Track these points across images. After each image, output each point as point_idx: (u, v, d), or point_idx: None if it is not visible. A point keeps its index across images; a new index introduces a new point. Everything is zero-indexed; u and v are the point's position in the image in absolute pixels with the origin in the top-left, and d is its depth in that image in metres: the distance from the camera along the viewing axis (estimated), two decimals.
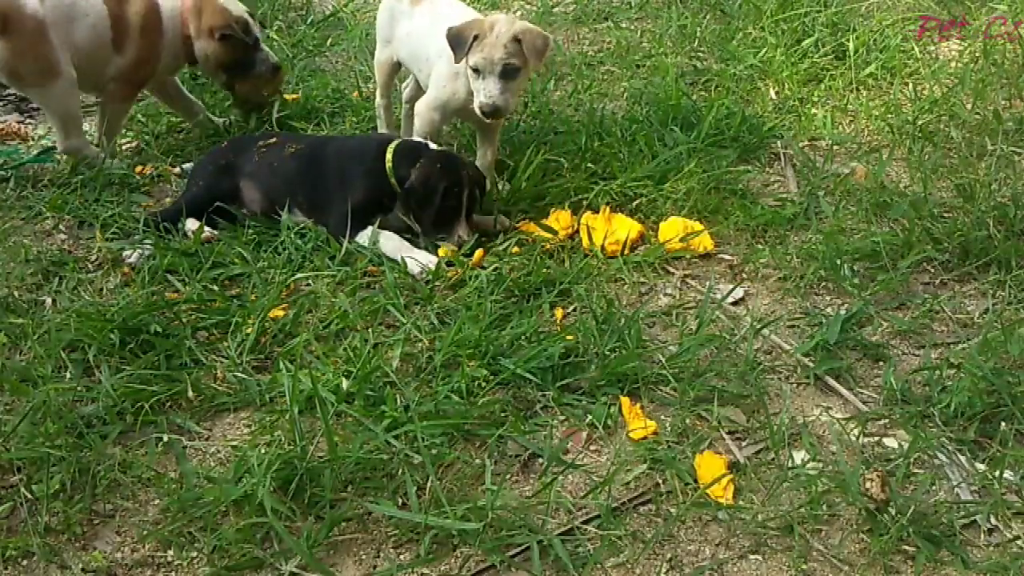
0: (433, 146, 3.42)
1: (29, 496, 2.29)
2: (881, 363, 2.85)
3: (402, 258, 3.18)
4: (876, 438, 2.56)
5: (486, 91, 3.29)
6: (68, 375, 2.65)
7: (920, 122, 4.19)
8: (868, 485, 2.30)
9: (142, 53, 3.81)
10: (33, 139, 4.20)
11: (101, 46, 3.71)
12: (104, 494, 2.33)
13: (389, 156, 3.33)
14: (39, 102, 3.67)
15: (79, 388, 2.59)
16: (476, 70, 3.29)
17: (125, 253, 3.23)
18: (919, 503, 2.29)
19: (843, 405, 2.69)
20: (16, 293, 3.03)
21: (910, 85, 4.57)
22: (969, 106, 4.28)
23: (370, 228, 3.26)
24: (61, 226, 3.45)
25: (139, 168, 3.85)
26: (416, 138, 3.51)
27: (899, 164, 3.97)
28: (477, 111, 3.34)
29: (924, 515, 2.27)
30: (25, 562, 2.17)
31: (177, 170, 3.84)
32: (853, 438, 2.54)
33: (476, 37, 3.27)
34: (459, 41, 3.30)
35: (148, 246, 3.23)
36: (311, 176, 3.41)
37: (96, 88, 3.90)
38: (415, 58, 3.71)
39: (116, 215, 3.42)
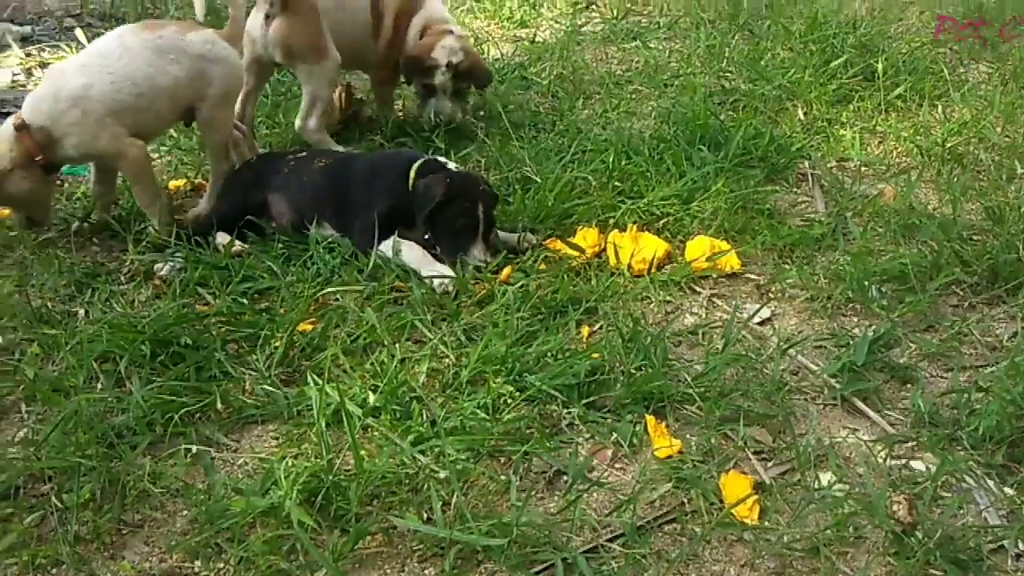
0: (452, 166, 3.46)
1: (59, 505, 2.31)
2: (909, 385, 2.84)
3: (421, 269, 3.19)
4: (903, 461, 2.54)
5: None
6: (99, 386, 2.69)
7: (949, 144, 4.18)
8: (895, 508, 2.29)
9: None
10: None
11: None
12: (133, 504, 2.35)
13: (412, 172, 3.37)
14: (303, 78, 3.99)
15: (110, 399, 2.62)
16: None
17: (157, 266, 3.27)
18: (946, 527, 2.27)
19: (870, 427, 2.68)
20: (50, 304, 3.08)
21: (939, 107, 4.56)
22: (999, 129, 4.27)
23: (391, 239, 3.28)
24: (95, 238, 3.50)
25: (173, 183, 3.89)
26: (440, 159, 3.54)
27: (928, 186, 3.96)
28: None
29: (951, 539, 2.25)
30: (55, 571, 2.19)
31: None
32: (880, 460, 2.52)
33: None
34: None
35: (179, 259, 3.27)
36: (339, 190, 3.44)
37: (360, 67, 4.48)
38: None
39: (148, 228, 3.45)
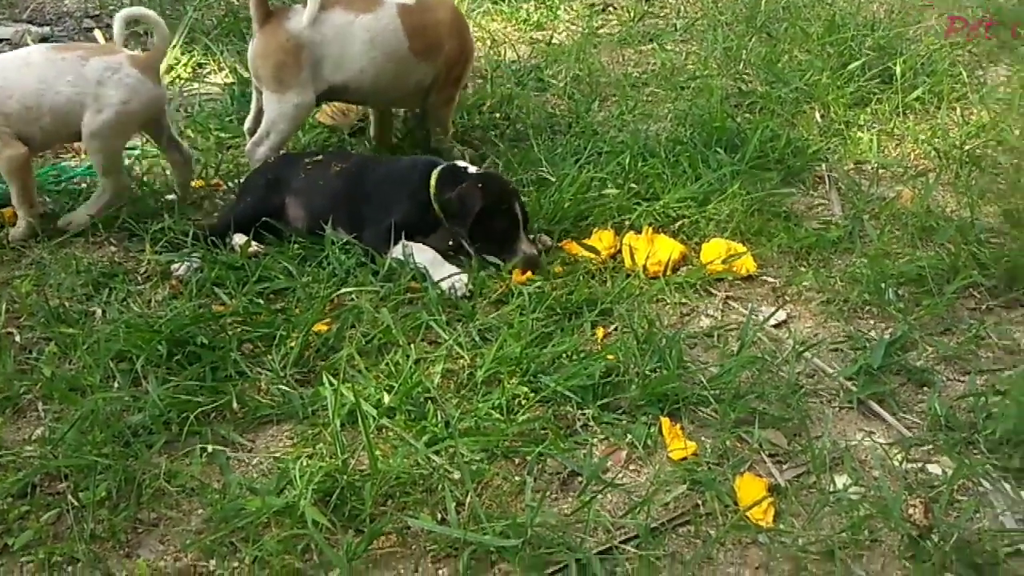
0: (473, 169, 3.45)
1: (76, 503, 2.33)
2: (925, 388, 2.82)
3: (433, 274, 3.18)
4: (919, 464, 2.53)
5: None
6: (116, 385, 2.70)
7: (967, 147, 4.16)
8: (911, 511, 2.28)
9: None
10: (86, 154, 4.27)
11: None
12: (149, 503, 2.36)
13: (433, 181, 3.35)
14: (265, 105, 3.78)
15: (126, 398, 2.64)
16: None
17: (174, 266, 3.27)
18: (963, 531, 2.26)
19: (886, 430, 2.67)
20: (67, 303, 3.10)
21: (958, 110, 4.54)
22: (1017, 131, 4.24)
23: (400, 243, 3.27)
24: (112, 238, 3.51)
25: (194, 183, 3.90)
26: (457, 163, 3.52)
27: (945, 188, 3.94)
28: None
29: (968, 543, 2.24)
30: (70, 568, 2.20)
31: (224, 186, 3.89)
32: (896, 463, 2.51)
33: None
34: None
35: (196, 259, 3.28)
36: (355, 196, 3.43)
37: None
38: None
39: (165, 228, 3.47)
